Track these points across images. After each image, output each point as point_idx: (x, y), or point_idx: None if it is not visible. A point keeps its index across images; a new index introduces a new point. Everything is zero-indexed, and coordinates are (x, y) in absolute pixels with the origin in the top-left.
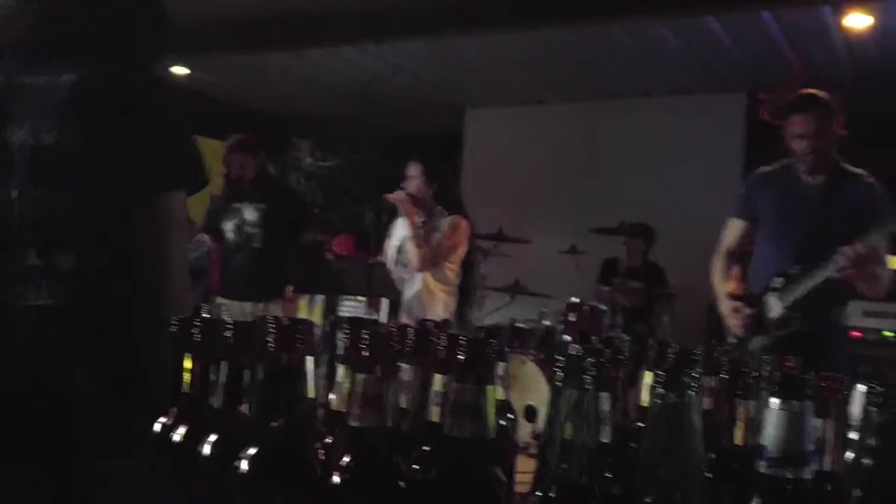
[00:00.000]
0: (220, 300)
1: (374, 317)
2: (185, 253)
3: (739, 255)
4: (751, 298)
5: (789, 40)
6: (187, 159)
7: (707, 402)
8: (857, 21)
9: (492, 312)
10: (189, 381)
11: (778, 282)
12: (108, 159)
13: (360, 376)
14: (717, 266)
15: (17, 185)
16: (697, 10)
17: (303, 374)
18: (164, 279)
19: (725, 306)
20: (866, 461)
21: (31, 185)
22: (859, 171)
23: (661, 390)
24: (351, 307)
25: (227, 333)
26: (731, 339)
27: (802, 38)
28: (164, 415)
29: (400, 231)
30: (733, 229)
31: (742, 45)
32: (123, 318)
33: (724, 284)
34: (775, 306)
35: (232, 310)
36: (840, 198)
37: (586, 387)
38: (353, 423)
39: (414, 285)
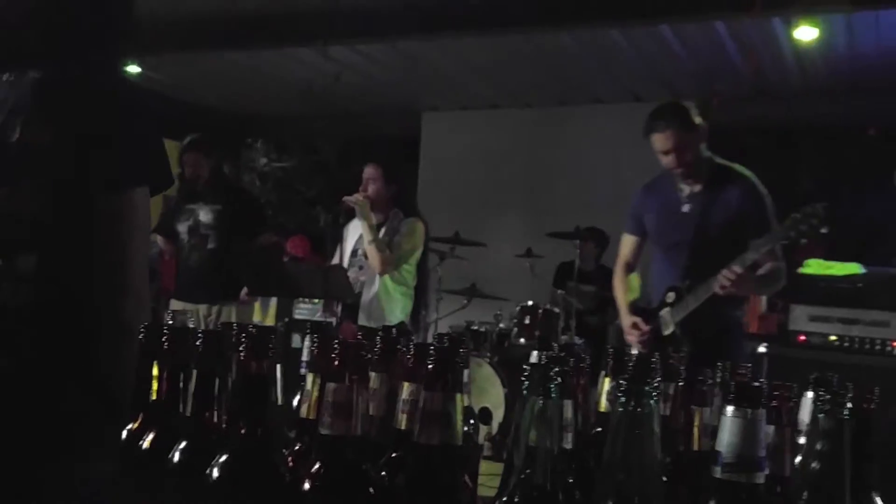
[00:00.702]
0: (174, 302)
1: (330, 320)
2: (146, 253)
3: (636, 268)
4: (648, 313)
5: (740, 50)
6: (151, 156)
7: (664, 408)
8: (805, 33)
9: (448, 315)
10: (157, 389)
11: (670, 297)
12: (71, 157)
13: (331, 385)
14: (616, 279)
15: None
16: (652, 20)
17: (273, 382)
18: (125, 280)
19: (625, 321)
20: (814, 465)
21: None
22: (740, 169)
23: (622, 399)
24: (306, 310)
25: (197, 342)
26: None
27: (753, 48)
28: (132, 421)
29: (354, 233)
30: (626, 244)
31: (695, 53)
32: (84, 319)
33: (622, 297)
34: (667, 323)
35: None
36: (720, 204)
37: (551, 395)
38: (324, 432)
39: (372, 288)
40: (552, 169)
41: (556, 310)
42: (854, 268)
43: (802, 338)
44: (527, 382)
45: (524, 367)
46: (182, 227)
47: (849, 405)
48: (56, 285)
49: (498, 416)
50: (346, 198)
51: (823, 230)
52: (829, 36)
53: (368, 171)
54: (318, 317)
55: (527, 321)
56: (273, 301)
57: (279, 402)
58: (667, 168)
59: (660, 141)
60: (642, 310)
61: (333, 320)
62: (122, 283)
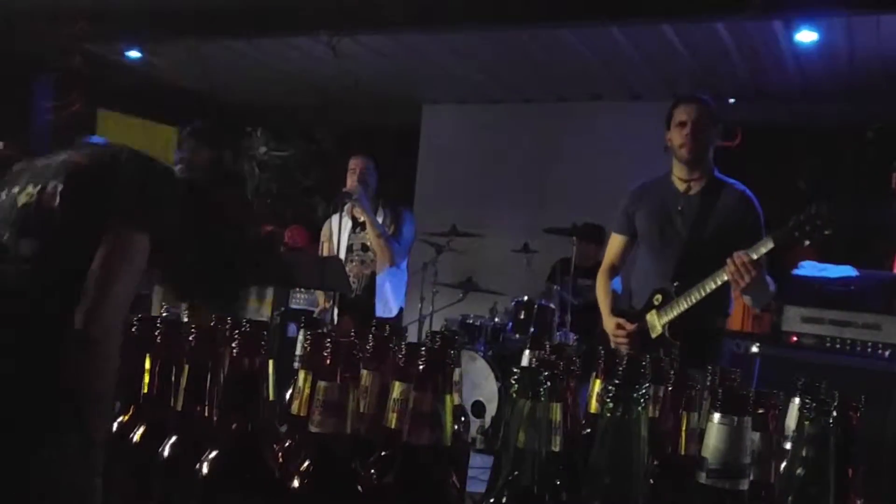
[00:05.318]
0: None
1: (326, 308)
2: (130, 289)
3: (621, 270)
4: (633, 314)
5: (741, 51)
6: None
7: (652, 411)
8: (806, 36)
9: (443, 308)
10: (149, 382)
11: (657, 299)
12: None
13: (322, 383)
14: (599, 281)
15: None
16: (653, 18)
17: (265, 378)
18: (100, 305)
19: (609, 323)
20: (799, 471)
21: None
22: (734, 182)
23: (609, 404)
24: (302, 299)
25: (189, 336)
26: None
27: (754, 49)
28: (123, 414)
29: (345, 227)
30: (614, 244)
31: (695, 54)
32: (51, 331)
33: (605, 300)
34: (655, 325)
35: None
36: (715, 210)
37: (540, 398)
38: (314, 430)
39: (367, 279)
40: (551, 164)
41: (552, 305)
42: (847, 270)
43: (794, 338)
44: (516, 385)
45: (514, 370)
46: None
47: (834, 413)
48: (38, 291)
49: (491, 409)
50: (349, 188)
51: (827, 232)
52: (829, 39)
53: (354, 163)
54: (312, 307)
55: (522, 316)
56: (270, 290)
57: (271, 397)
58: (677, 145)
59: (685, 112)
60: (624, 312)
61: (330, 311)
62: (96, 306)
